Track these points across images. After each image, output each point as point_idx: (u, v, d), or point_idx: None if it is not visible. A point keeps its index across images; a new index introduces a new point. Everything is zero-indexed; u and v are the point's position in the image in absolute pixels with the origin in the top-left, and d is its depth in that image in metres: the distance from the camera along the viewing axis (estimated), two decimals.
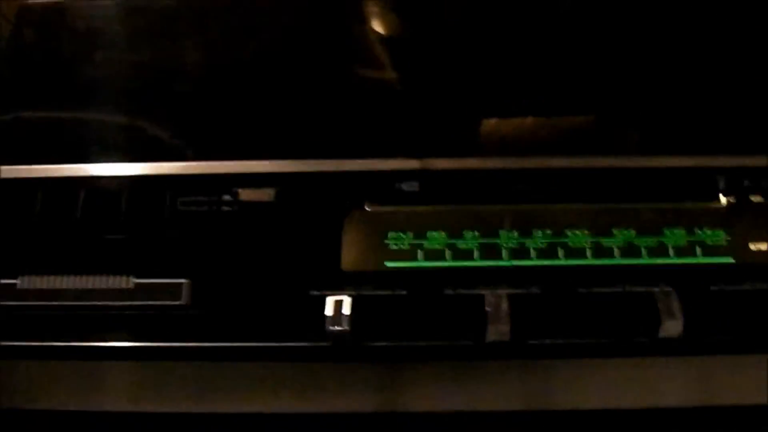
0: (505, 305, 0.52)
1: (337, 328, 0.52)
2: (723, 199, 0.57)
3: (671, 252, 0.56)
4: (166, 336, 0.54)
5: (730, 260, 0.56)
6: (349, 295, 0.52)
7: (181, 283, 0.55)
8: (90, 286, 0.55)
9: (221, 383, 0.58)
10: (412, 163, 0.57)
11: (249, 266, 0.55)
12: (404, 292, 0.54)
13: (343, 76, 0.63)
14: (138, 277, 0.55)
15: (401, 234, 0.55)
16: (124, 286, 0.55)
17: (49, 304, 0.55)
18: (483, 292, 0.53)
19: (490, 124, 0.60)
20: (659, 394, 0.58)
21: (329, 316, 0.52)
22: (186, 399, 0.59)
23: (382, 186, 0.57)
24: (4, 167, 0.58)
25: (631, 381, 0.58)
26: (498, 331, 0.52)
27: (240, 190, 0.57)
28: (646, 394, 0.58)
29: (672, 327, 0.52)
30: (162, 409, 0.59)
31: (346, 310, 0.52)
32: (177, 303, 0.54)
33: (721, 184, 0.57)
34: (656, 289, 0.53)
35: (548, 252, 0.55)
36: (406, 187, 0.57)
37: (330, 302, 0.52)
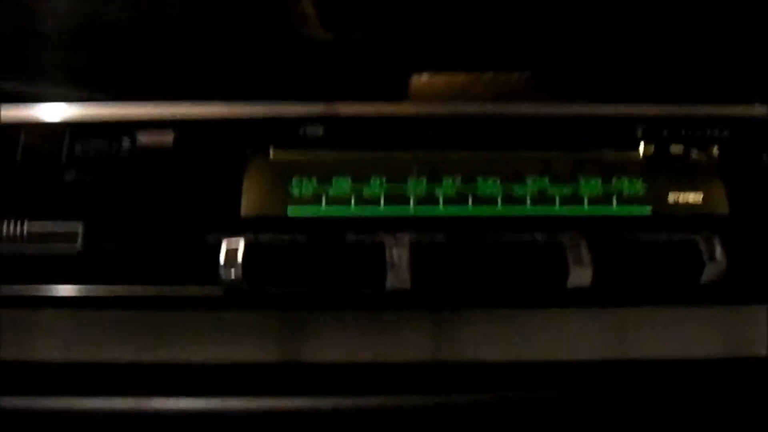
0: (405, 252, 0.51)
1: (229, 274, 0.50)
2: (642, 149, 0.56)
3: (585, 201, 0.54)
4: (60, 282, 0.53)
5: (648, 211, 0.54)
6: (244, 241, 0.51)
7: (75, 226, 0.53)
8: None
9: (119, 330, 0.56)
10: (317, 108, 0.55)
11: (147, 211, 0.53)
12: (303, 239, 0.52)
13: (247, 16, 0.61)
14: (32, 219, 0.53)
15: (305, 179, 0.54)
16: (17, 231, 0.53)
17: None
18: (384, 239, 0.51)
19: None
20: (570, 347, 0.56)
21: (222, 263, 0.50)
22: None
23: (286, 131, 0.55)
24: None
25: (541, 333, 0.56)
26: (397, 278, 0.50)
27: (139, 134, 0.55)
28: (557, 346, 0.56)
29: (581, 276, 0.51)
30: None
31: (240, 256, 0.50)
32: (71, 247, 0.53)
33: (640, 134, 0.56)
34: (565, 237, 0.52)
35: (457, 200, 0.54)
36: (310, 131, 0.55)
37: (223, 248, 0.51)
